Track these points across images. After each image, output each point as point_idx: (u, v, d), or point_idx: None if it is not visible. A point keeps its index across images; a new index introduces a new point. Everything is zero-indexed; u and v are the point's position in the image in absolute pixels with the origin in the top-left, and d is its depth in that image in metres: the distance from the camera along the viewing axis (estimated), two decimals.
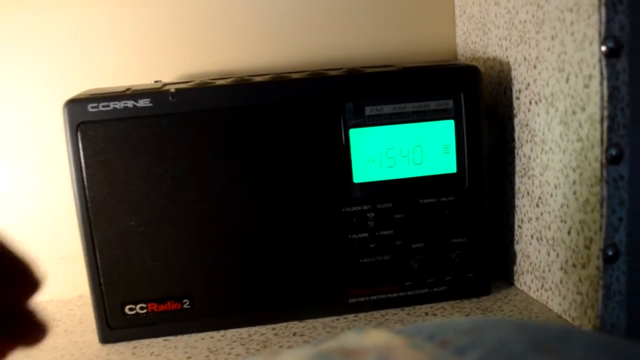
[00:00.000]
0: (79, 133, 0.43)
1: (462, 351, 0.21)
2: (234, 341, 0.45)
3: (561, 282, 0.44)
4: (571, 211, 0.42)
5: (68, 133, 0.44)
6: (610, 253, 0.38)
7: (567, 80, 0.41)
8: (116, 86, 0.48)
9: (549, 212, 0.45)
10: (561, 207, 0.43)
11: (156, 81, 0.50)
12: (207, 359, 0.43)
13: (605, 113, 0.37)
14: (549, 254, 0.45)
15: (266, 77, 0.47)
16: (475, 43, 0.56)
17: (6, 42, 0.55)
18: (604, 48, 0.36)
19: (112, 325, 0.46)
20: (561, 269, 0.44)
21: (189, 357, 0.43)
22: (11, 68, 0.56)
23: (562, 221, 0.43)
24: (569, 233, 0.42)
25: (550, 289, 0.46)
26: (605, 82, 0.37)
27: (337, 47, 0.60)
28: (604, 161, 0.37)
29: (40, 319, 0.30)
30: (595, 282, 0.39)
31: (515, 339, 0.22)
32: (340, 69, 0.49)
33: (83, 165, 0.44)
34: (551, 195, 0.44)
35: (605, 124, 0.37)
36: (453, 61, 0.60)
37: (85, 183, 0.44)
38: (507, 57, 0.50)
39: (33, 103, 0.56)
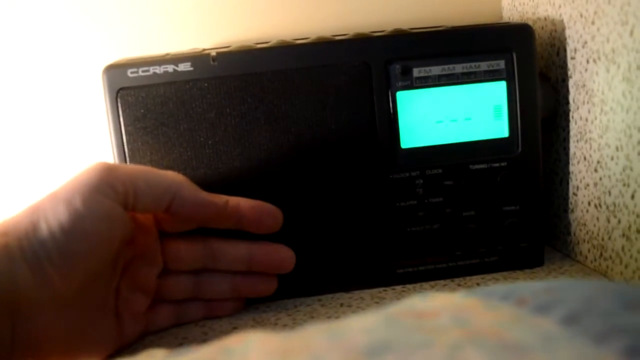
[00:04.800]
0: (118, 99, 0.42)
1: (545, 309, 0.19)
2: (280, 312, 0.44)
3: (623, 249, 0.42)
4: (635, 174, 0.39)
5: (108, 100, 0.42)
6: None
7: (632, 33, 0.38)
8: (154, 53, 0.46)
9: (609, 177, 0.42)
10: (623, 170, 0.41)
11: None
12: (253, 329, 0.42)
13: None
14: (608, 221, 0.43)
15: (308, 40, 0.45)
16: (524, 4, 0.54)
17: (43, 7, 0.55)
18: None
19: None
20: (623, 235, 0.41)
21: (235, 328, 0.42)
22: (48, 36, 0.55)
23: (624, 185, 0.41)
24: (632, 197, 0.40)
25: (610, 257, 0.43)
26: None
27: (378, 11, 0.58)
28: None
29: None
30: None
31: (601, 297, 0.20)
32: (384, 30, 0.47)
33: (124, 132, 0.42)
34: (612, 159, 0.42)
35: None
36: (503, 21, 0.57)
37: (127, 151, 0.43)
38: (560, 15, 0.47)
39: (71, 71, 0.56)
